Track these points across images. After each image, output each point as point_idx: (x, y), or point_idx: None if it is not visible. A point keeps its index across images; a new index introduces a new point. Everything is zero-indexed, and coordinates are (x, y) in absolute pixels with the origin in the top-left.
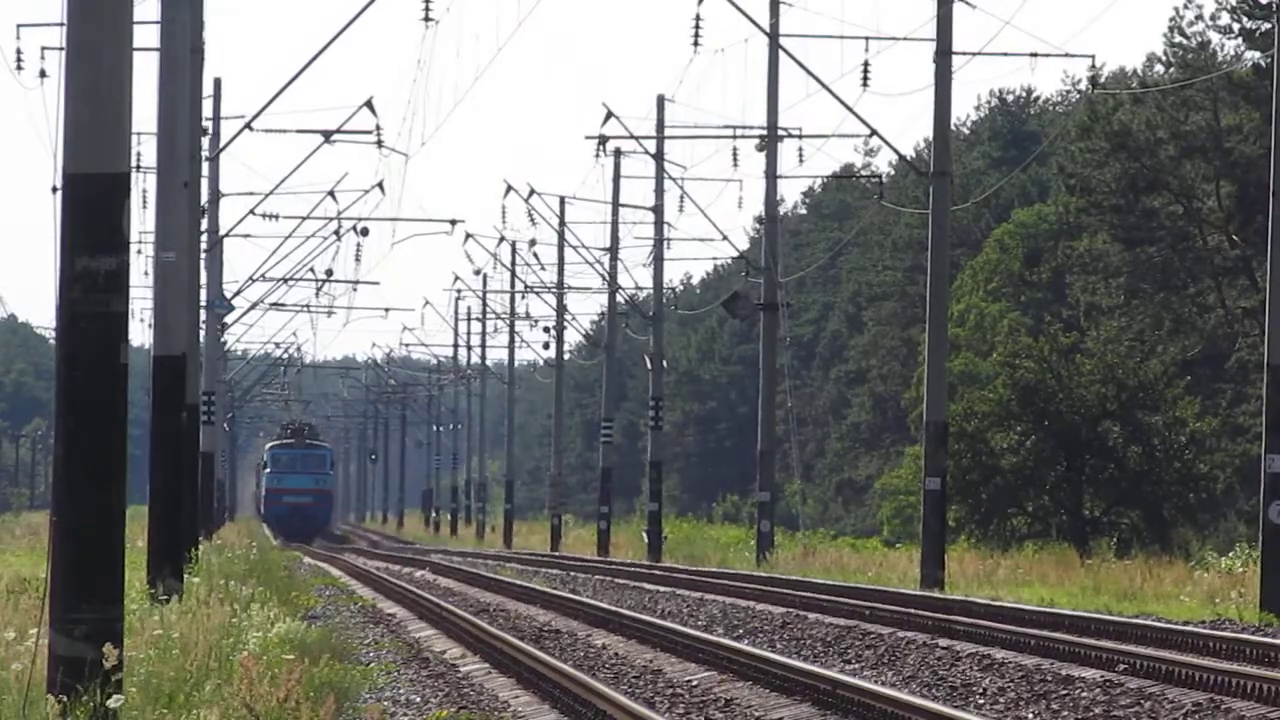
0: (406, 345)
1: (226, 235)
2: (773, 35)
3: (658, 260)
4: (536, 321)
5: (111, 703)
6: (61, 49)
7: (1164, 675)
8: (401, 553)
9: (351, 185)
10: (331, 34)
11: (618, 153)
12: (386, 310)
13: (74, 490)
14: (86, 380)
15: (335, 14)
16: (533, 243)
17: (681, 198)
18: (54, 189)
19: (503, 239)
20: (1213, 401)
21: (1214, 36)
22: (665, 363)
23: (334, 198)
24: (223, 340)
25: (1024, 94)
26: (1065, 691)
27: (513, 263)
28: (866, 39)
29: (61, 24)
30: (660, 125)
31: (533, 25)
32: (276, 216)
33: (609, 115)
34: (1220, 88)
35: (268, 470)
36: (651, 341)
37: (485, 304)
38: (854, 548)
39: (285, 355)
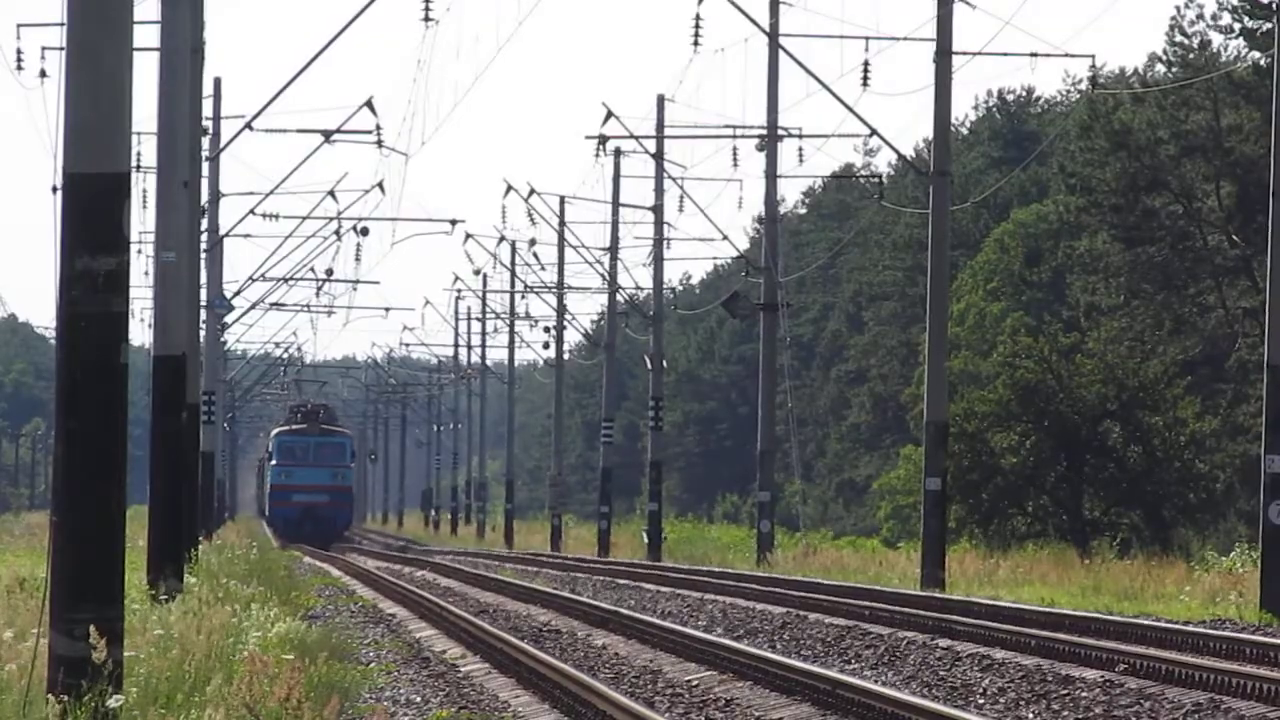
0: (406, 345)
1: (226, 235)
2: (773, 35)
3: (658, 260)
4: (536, 321)
5: (111, 702)
6: (61, 49)
7: (1164, 675)
8: (402, 552)
9: (351, 185)
10: (331, 34)
11: (618, 152)
12: (386, 310)
13: (74, 490)
14: (86, 380)
15: (335, 14)
16: (533, 243)
17: (681, 198)
18: (54, 189)
19: (503, 239)
20: (1213, 401)
21: (1215, 36)
22: (665, 363)
23: (334, 197)
24: (223, 340)
25: (1024, 94)
26: (1065, 691)
27: (513, 263)
28: (866, 39)
29: (61, 24)
30: (660, 125)
31: (533, 25)
32: (276, 216)
33: (609, 115)
34: (1221, 87)
35: (273, 463)
36: (651, 341)
37: (485, 304)
38: (854, 547)
39: (285, 355)
